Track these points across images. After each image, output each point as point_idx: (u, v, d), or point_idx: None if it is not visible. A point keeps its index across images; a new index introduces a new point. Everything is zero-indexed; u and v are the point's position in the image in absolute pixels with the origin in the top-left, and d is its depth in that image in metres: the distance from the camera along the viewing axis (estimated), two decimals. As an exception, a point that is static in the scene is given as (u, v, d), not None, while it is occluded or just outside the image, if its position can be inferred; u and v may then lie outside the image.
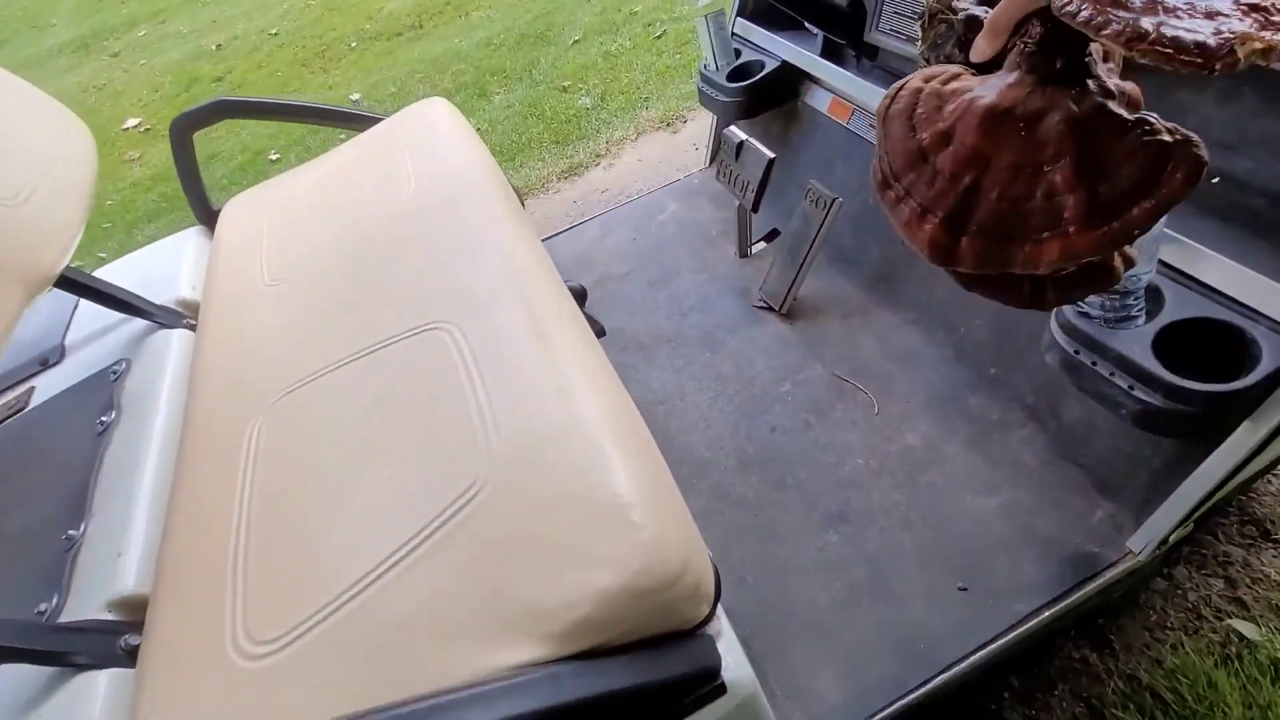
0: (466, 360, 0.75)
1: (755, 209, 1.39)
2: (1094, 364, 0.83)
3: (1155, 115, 0.38)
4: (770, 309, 1.42)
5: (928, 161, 0.42)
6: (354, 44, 4.57)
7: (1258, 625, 1.08)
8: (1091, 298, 0.83)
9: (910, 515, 1.05)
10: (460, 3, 4.55)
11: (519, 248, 0.91)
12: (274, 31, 5.12)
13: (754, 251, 1.58)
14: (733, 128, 1.41)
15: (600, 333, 1.16)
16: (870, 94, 1.24)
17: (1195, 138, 0.36)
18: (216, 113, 1.23)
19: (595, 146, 2.77)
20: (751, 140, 1.36)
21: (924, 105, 0.43)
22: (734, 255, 1.59)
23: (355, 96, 3.89)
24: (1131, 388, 0.79)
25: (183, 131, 1.24)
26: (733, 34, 1.58)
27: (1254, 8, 0.32)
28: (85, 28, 6.62)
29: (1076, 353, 0.84)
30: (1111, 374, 0.81)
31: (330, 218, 1.09)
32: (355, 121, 1.34)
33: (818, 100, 1.48)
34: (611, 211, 1.82)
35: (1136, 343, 0.79)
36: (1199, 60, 0.30)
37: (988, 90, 0.41)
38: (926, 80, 0.44)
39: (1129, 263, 0.43)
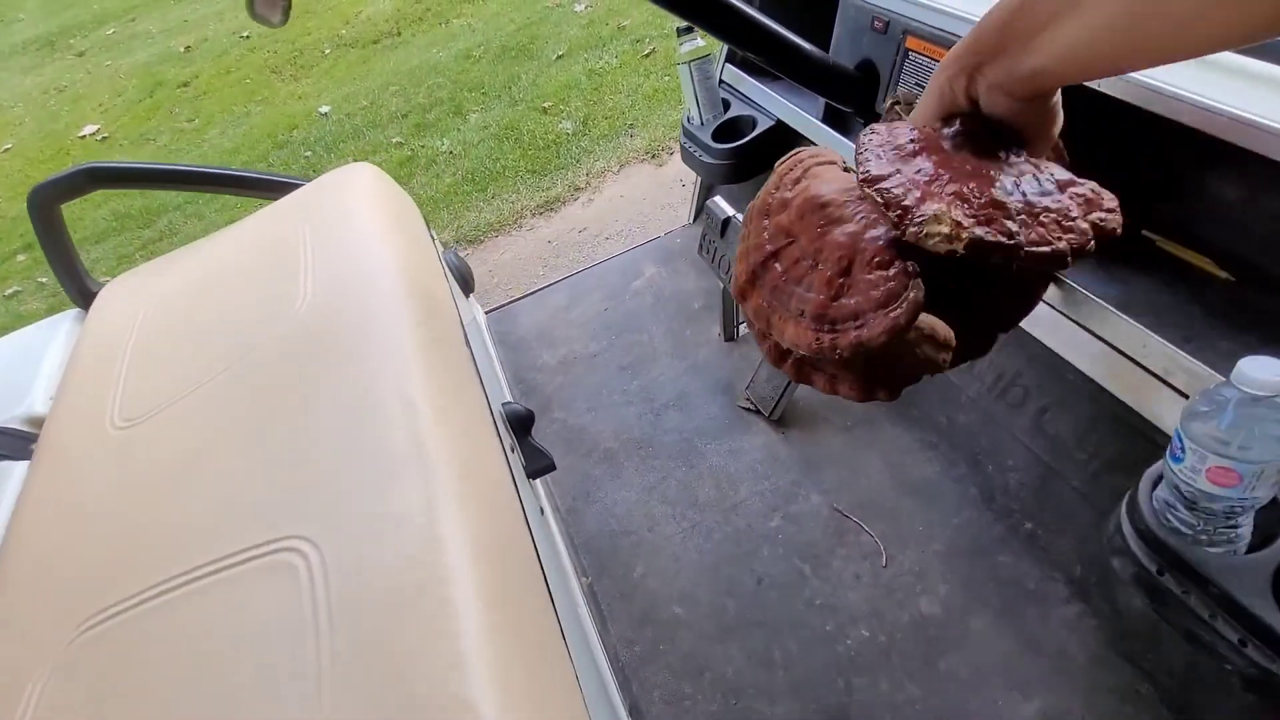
0: (318, 606, 0.53)
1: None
2: (1185, 593, 0.62)
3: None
4: (759, 412, 1.21)
5: (764, 220, 0.47)
6: (328, 50, 4.32)
7: None
8: (1180, 510, 0.62)
9: None
10: (441, 10, 4.31)
11: (428, 398, 0.70)
12: (245, 34, 4.86)
13: (741, 334, 1.37)
14: (718, 200, 1.20)
15: (547, 468, 0.95)
16: (882, 171, 1.02)
17: (918, 294, 0.38)
18: (82, 182, 1.00)
19: (575, 178, 2.54)
20: (740, 219, 1.14)
21: (789, 176, 0.48)
22: (718, 337, 1.37)
23: (325, 109, 3.65)
24: (1242, 643, 0.58)
25: (46, 204, 1.02)
26: (720, 82, 1.36)
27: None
28: (54, 24, 6.33)
29: (1160, 573, 0.63)
30: (1212, 616, 0.60)
31: (204, 334, 0.87)
32: (262, 189, 1.12)
33: (818, 165, 1.26)
34: (581, 274, 1.60)
35: (1249, 577, 0.58)
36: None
37: (831, 184, 0.45)
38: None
39: (943, 353, 0.46)
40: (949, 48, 0.81)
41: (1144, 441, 0.80)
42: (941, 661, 0.88)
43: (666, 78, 2.90)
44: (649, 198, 2.37)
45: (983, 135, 0.43)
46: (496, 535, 0.61)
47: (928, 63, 0.89)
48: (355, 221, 0.94)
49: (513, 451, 0.89)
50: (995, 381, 0.97)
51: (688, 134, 1.36)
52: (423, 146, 3.03)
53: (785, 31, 0.87)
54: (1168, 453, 0.60)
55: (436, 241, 1.22)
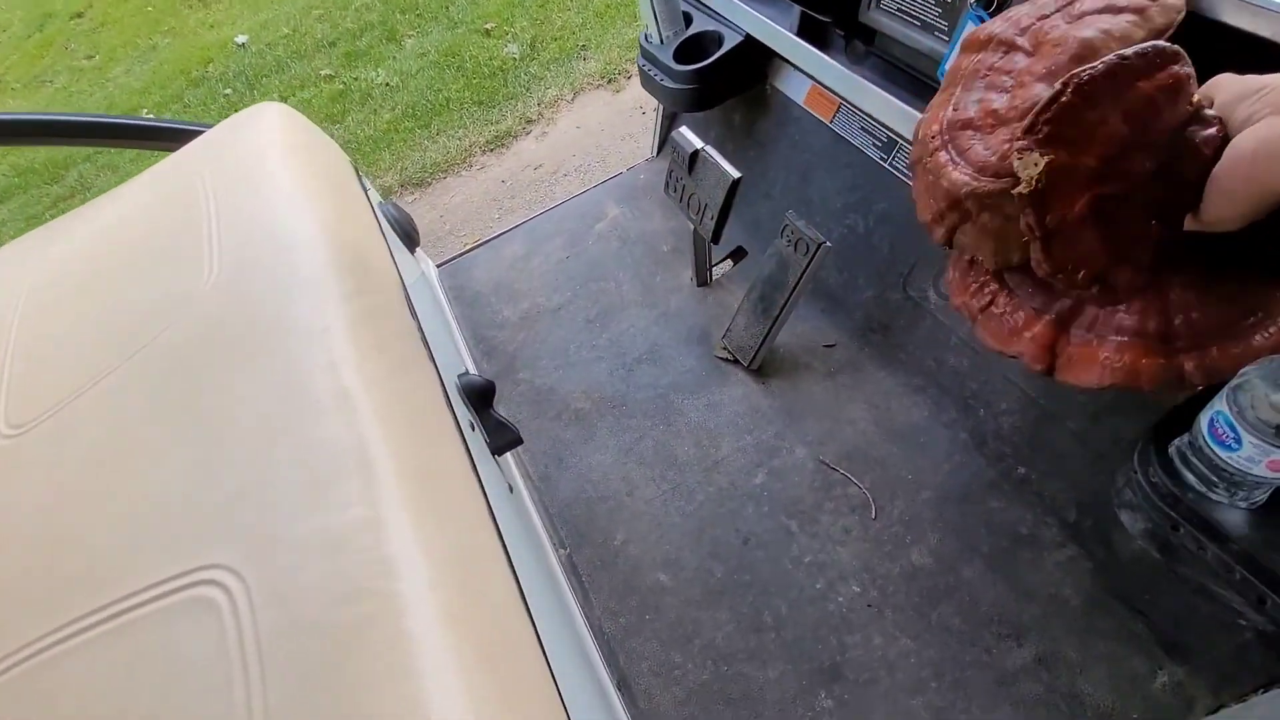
0: (247, 648, 0.46)
1: (716, 240, 1.08)
2: (1200, 549, 0.58)
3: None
4: (737, 362, 1.14)
5: None
6: (237, -30, 3.86)
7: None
8: (1200, 470, 0.57)
9: (923, 673, 0.83)
10: (363, -83, 3.85)
11: (367, 385, 0.60)
12: (141, -47, 4.31)
13: (715, 278, 1.28)
14: (684, 131, 1.08)
15: (513, 442, 0.87)
16: (863, 90, 0.91)
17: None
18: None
19: (525, 109, 2.34)
20: (709, 152, 1.03)
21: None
22: (690, 282, 1.28)
23: (241, 39, 3.28)
24: (1261, 600, 0.55)
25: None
26: (681, -7, 1.21)
27: None
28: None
29: (1175, 528, 0.60)
30: (1229, 572, 0.56)
31: (100, 317, 0.74)
32: (152, 138, 0.96)
33: (791, 86, 1.14)
34: (539, 218, 1.47)
35: (1272, 533, 0.55)
36: None
37: None
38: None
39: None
40: None
41: (1148, 381, 0.75)
42: (934, 613, 0.86)
43: (619, -10, 2.65)
44: (607, 128, 2.20)
45: None
46: (456, 541, 0.54)
47: (919, -40, 0.77)
48: (266, 176, 0.81)
49: (472, 430, 0.81)
50: (988, 321, 0.91)
51: (646, 55, 1.22)
52: (356, 79, 2.76)
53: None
54: (1208, 433, 0.55)
55: (371, 191, 1.09)
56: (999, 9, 0.70)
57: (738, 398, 1.10)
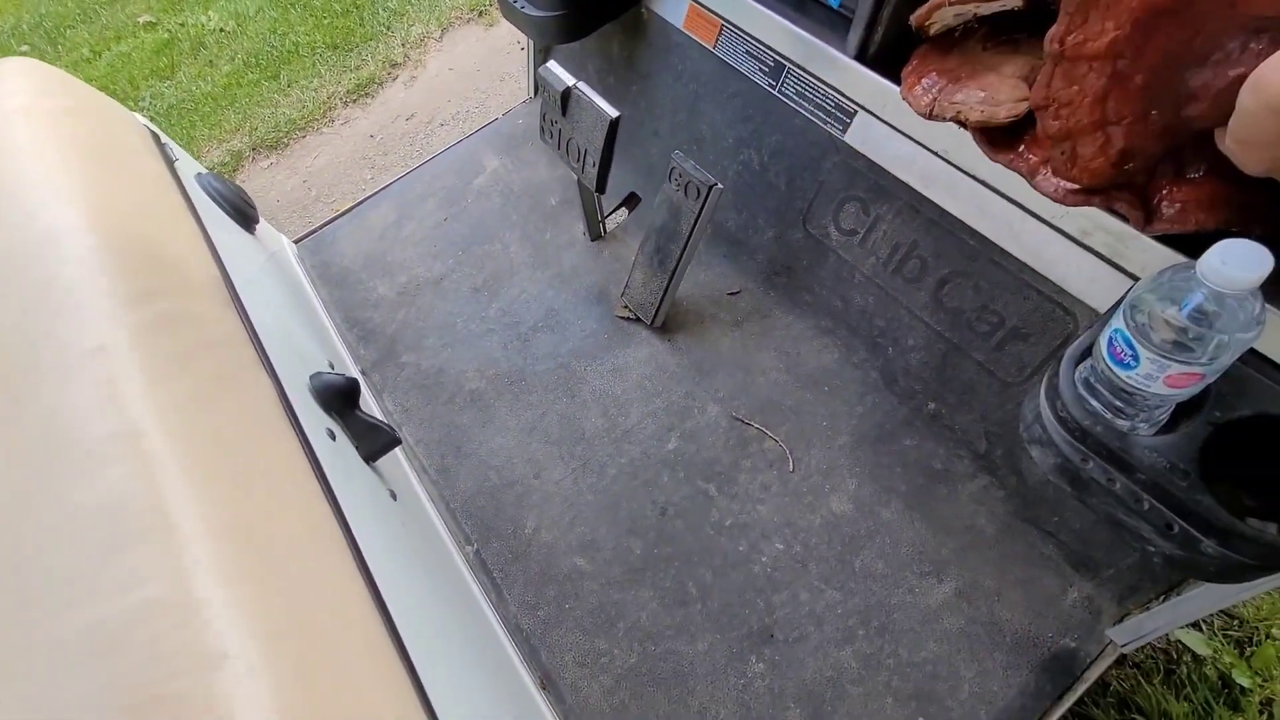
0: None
1: (600, 189, 0.98)
2: (1110, 481, 0.57)
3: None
4: (639, 320, 1.06)
5: None
6: (16, -104, 3.21)
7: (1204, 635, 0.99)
8: (1105, 396, 0.54)
9: (850, 621, 0.81)
10: None
11: (161, 417, 0.48)
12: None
13: (609, 229, 1.18)
14: (552, 66, 0.95)
15: (388, 445, 0.76)
16: (742, 7, 0.82)
17: None
18: None
19: (389, 52, 2.09)
20: (582, 90, 0.91)
21: None
22: (583, 236, 1.18)
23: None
24: (1169, 526, 0.54)
25: None
26: (533, -99, 1.05)
27: None
28: None
29: (1085, 460, 0.58)
30: (1138, 502, 0.55)
31: None
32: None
33: (669, 8, 1.03)
34: (408, 178, 1.31)
35: (1178, 460, 0.53)
36: None
37: None
38: None
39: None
40: None
41: (1051, 306, 0.73)
42: (857, 560, 0.85)
43: (480, -92, 2.37)
44: (484, 68, 2.00)
45: None
46: (298, 601, 0.44)
47: None
48: (9, 151, 0.63)
49: (334, 439, 0.69)
50: (890, 255, 0.87)
51: (503, -22, 1.06)
52: (182, 25, 2.38)
53: None
54: (1107, 353, 0.51)
55: (183, 162, 0.90)
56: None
57: (643, 359, 1.03)
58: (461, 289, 1.15)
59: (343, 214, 1.29)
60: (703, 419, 0.96)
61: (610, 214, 1.19)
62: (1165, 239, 0.59)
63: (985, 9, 0.66)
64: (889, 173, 0.83)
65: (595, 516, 0.92)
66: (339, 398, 0.73)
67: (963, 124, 0.63)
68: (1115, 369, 0.52)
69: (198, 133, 2.00)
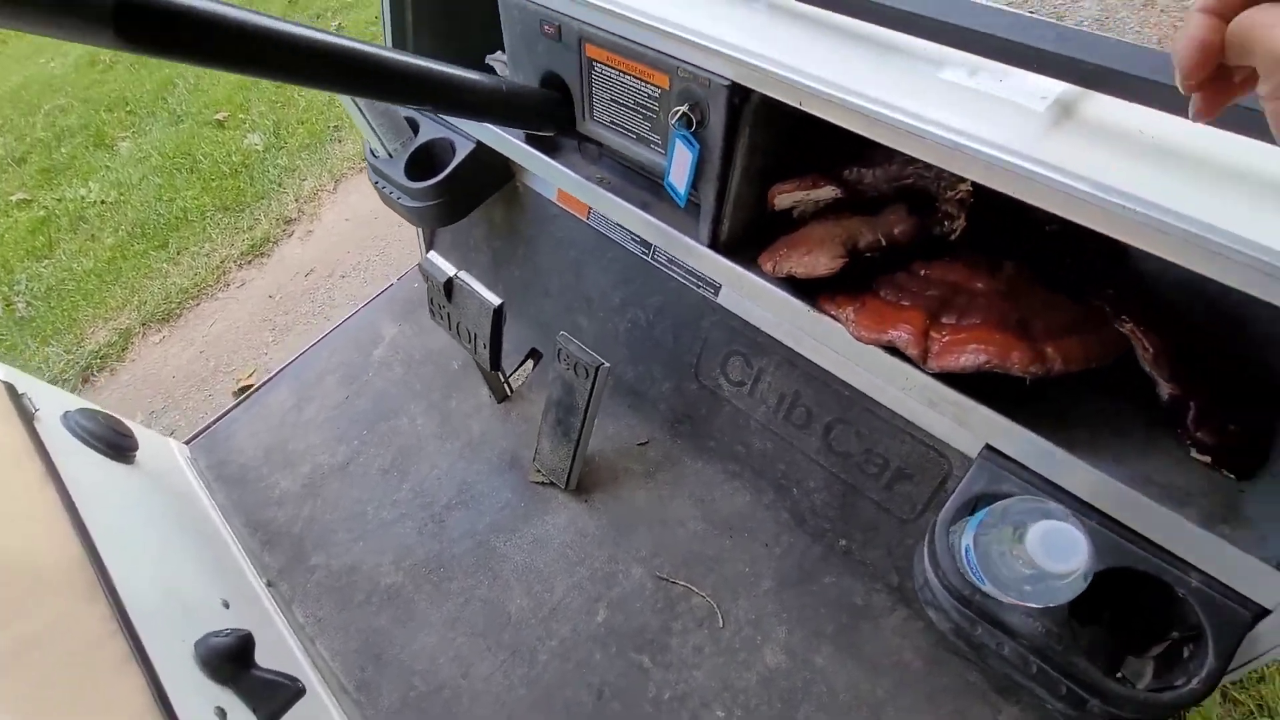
0: None
1: (494, 368, 0.99)
2: (999, 645, 0.59)
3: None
4: (553, 484, 1.06)
5: None
6: None
7: None
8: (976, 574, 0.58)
9: (800, 788, 0.80)
10: None
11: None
12: None
13: (514, 387, 1.19)
14: (434, 258, 0.97)
15: (293, 697, 0.71)
16: (601, 198, 0.87)
17: None
18: None
19: (282, 208, 2.09)
20: (464, 279, 0.94)
21: None
22: (488, 399, 1.18)
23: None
24: (1059, 688, 0.56)
25: None
26: (398, 99, 1.10)
27: None
28: None
29: (974, 625, 0.60)
30: (1028, 665, 0.58)
31: None
32: None
33: (541, 184, 1.08)
34: (304, 357, 1.29)
35: (1048, 620, 0.57)
36: None
37: None
38: None
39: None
40: (635, 60, 0.65)
41: (925, 449, 0.78)
42: (799, 714, 0.84)
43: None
44: (381, 214, 2.02)
45: None
46: None
47: (617, 76, 0.74)
48: None
49: (221, 717, 0.64)
50: (778, 404, 0.91)
51: (376, 171, 1.09)
52: (59, 200, 2.31)
53: (444, 67, 0.66)
54: (966, 562, 0.56)
55: (43, 411, 0.85)
56: (699, 129, 0.68)
57: (563, 525, 1.02)
58: (370, 472, 1.12)
59: (237, 404, 1.25)
60: (628, 584, 0.95)
61: (514, 373, 1.20)
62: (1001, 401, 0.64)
63: (815, 195, 0.74)
64: (762, 330, 0.88)
65: (529, 712, 0.88)
66: (230, 663, 0.68)
67: (794, 279, 0.70)
68: (972, 577, 0.56)
69: (81, 314, 1.92)
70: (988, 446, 0.65)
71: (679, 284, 0.95)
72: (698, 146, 0.69)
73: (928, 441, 0.77)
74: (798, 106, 0.60)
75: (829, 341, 0.71)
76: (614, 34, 0.71)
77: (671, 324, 1.00)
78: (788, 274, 0.71)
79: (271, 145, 2.28)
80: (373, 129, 1.04)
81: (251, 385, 1.72)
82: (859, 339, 0.66)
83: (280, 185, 2.15)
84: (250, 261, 1.99)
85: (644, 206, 0.84)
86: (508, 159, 1.08)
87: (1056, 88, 0.53)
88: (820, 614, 0.89)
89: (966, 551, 0.55)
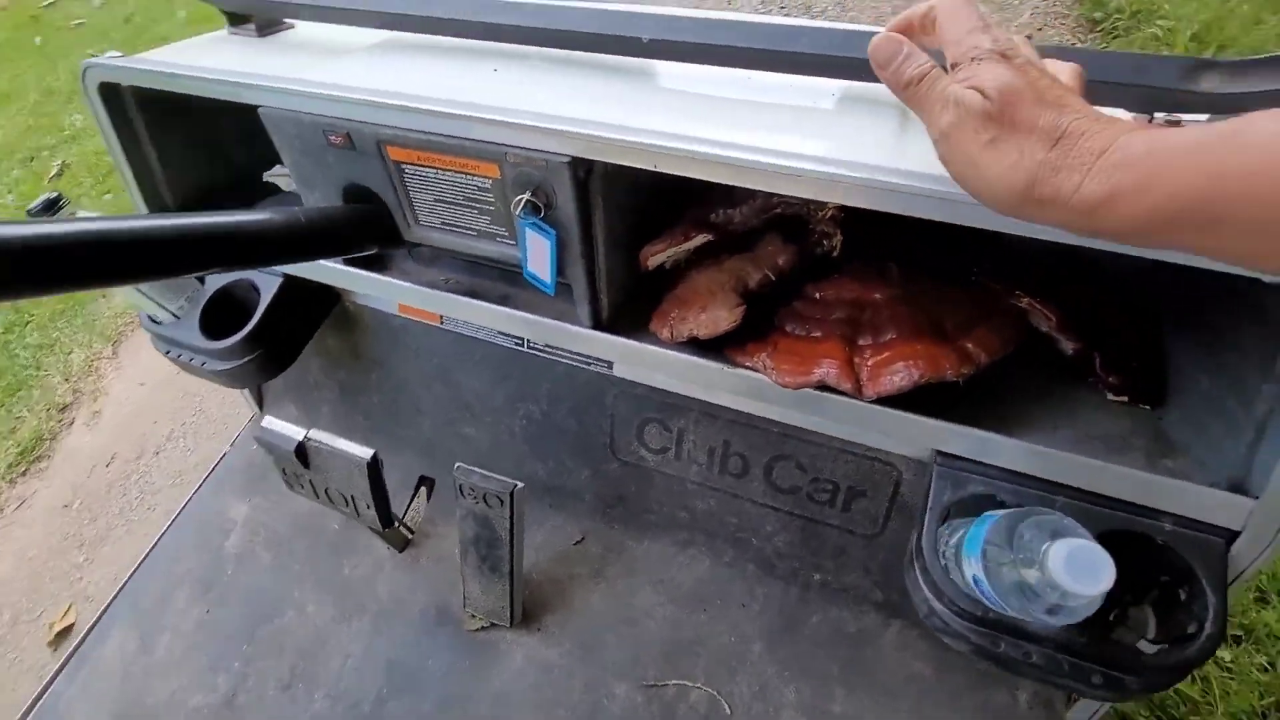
0: None
1: (388, 525, 0.84)
2: (1026, 655, 0.57)
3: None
4: (496, 625, 0.92)
5: None
6: None
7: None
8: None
9: None
10: None
11: None
12: None
13: (414, 527, 1.03)
14: (271, 425, 0.80)
15: None
16: (454, 304, 0.76)
17: None
18: None
19: (49, 394, 1.71)
20: (318, 439, 0.78)
21: None
22: (388, 552, 1.01)
23: None
24: (1093, 677, 0.55)
25: None
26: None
27: None
28: None
29: (996, 643, 0.57)
30: (1059, 665, 0.56)
31: None
32: None
33: (374, 299, 0.94)
34: (135, 579, 1.03)
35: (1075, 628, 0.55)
36: None
37: None
38: None
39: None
40: (452, 154, 0.61)
41: (870, 463, 0.76)
42: (836, 775, 0.78)
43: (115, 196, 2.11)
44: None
45: None
46: None
47: (435, 175, 0.64)
48: None
49: None
50: (710, 459, 0.85)
51: (164, 340, 0.89)
52: None
53: (216, 218, 0.52)
54: (980, 593, 0.52)
55: None
56: (549, 214, 0.60)
57: (521, 668, 0.89)
58: (265, 696, 0.91)
59: (60, 667, 0.97)
60: (616, 706, 0.84)
61: (406, 513, 1.03)
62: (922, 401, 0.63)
63: (688, 246, 0.68)
64: (670, 391, 0.82)
65: None
66: None
67: (699, 341, 0.64)
68: (979, 592, 0.53)
69: None
70: (939, 453, 0.63)
71: (566, 366, 0.86)
72: (553, 232, 0.61)
73: (870, 455, 0.75)
74: (653, 169, 0.54)
75: (750, 393, 0.66)
76: (415, 130, 0.61)
77: (570, 408, 0.91)
78: (689, 337, 0.65)
79: (13, 323, 1.87)
80: (144, 294, 0.84)
81: (71, 627, 1.37)
82: (784, 385, 0.61)
83: (39, 368, 1.76)
84: (25, 472, 1.60)
85: (505, 301, 0.75)
86: (329, 291, 0.93)
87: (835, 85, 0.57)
88: (820, 657, 0.84)
89: (978, 583, 0.52)
